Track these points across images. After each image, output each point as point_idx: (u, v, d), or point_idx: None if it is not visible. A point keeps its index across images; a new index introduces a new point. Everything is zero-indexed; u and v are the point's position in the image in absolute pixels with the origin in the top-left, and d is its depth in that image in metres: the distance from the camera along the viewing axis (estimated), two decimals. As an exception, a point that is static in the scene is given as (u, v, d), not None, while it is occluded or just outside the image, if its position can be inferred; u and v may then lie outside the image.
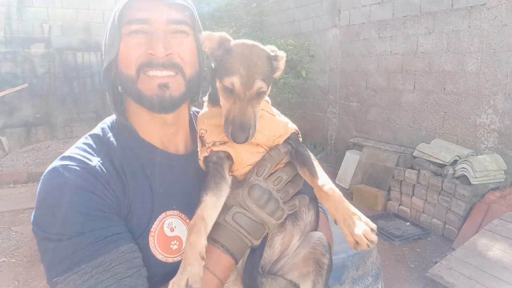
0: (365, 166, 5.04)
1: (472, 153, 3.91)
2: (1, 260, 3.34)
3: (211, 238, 0.81)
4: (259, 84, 0.82)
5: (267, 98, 0.91)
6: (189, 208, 0.85)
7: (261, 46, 0.88)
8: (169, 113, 0.87)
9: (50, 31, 6.81)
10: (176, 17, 0.86)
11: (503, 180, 3.69)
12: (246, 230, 0.83)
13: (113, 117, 0.93)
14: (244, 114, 0.82)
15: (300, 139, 0.95)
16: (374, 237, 0.72)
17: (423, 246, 3.64)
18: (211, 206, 0.82)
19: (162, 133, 0.92)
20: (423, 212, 4.06)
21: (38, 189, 0.81)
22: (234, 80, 0.81)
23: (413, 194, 4.17)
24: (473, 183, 3.58)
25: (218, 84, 0.85)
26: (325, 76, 6.16)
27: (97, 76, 7.26)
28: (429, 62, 4.41)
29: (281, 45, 5.41)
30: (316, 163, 0.87)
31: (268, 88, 0.85)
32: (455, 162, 3.86)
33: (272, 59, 0.88)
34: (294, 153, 0.89)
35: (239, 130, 0.81)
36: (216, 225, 0.83)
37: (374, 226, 0.74)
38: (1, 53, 6.53)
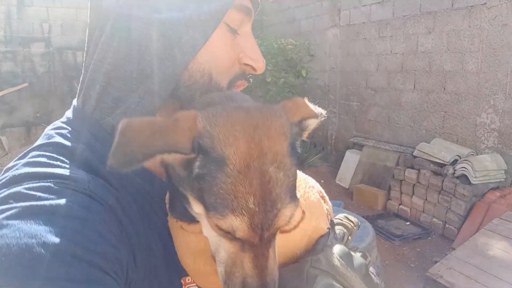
0: (365, 165, 5.04)
1: (472, 153, 3.91)
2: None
3: None
4: (285, 215, 0.42)
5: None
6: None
7: (273, 116, 0.45)
8: None
9: (50, 30, 6.80)
10: None
11: (503, 179, 3.69)
12: None
13: (75, 123, 0.57)
14: (263, 271, 0.43)
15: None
16: None
17: (423, 246, 3.64)
18: None
19: None
20: (423, 211, 4.05)
21: None
22: (238, 225, 0.41)
23: (413, 194, 4.17)
24: (473, 182, 3.58)
25: (202, 211, 0.43)
26: (325, 76, 6.16)
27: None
28: (429, 62, 4.41)
29: (281, 45, 5.42)
30: None
31: (297, 201, 0.44)
32: (455, 161, 3.86)
33: (295, 125, 0.49)
34: None
35: None
36: None
37: None
38: (1, 53, 6.53)
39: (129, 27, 0.49)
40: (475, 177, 3.56)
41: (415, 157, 4.26)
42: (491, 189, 3.67)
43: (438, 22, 4.25)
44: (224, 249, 0.44)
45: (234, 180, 0.40)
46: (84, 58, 0.57)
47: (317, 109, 0.53)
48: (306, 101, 0.53)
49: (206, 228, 0.45)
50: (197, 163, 0.41)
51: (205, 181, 0.41)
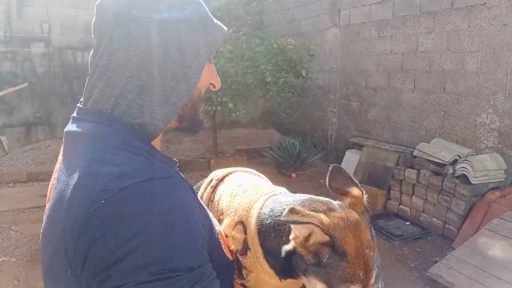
0: (365, 165, 5.04)
1: (472, 153, 3.91)
2: (1, 259, 3.35)
3: None
4: (374, 276, 0.71)
5: None
6: None
7: (359, 216, 0.74)
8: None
9: (50, 30, 6.80)
10: None
11: (503, 179, 3.69)
12: None
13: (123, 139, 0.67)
14: None
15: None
16: None
17: (423, 246, 3.64)
18: None
19: None
20: (423, 211, 4.06)
21: (121, 228, 0.56)
22: None
23: (413, 194, 4.17)
24: (473, 182, 3.58)
25: (317, 286, 0.69)
26: (325, 76, 6.16)
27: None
28: (429, 62, 4.41)
29: (281, 45, 5.41)
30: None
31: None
32: (455, 161, 3.86)
33: (365, 212, 0.79)
34: None
35: None
36: None
37: None
38: (1, 53, 6.53)
39: (155, 58, 0.67)
40: (475, 177, 3.56)
41: (415, 157, 4.26)
42: (491, 189, 3.67)
43: (438, 22, 4.25)
44: None
45: (352, 264, 0.67)
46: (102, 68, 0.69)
47: (361, 191, 0.82)
48: (358, 190, 0.82)
49: None
50: (325, 255, 0.67)
51: (332, 267, 0.67)
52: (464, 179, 3.66)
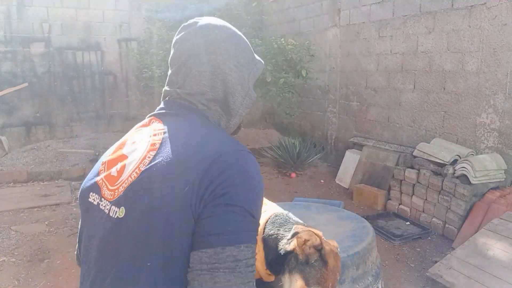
0: (365, 165, 5.04)
1: (472, 153, 3.91)
2: (1, 259, 3.34)
3: None
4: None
5: None
6: None
7: (339, 258, 0.99)
8: None
9: (50, 30, 6.80)
10: None
11: (503, 179, 3.69)
12: None
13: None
14: None
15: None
16: None
17: (423, 246, 3.64)
18: None
19: None
20: (423, 211, 4.06)
21: (245, 168, 0.81)
22: None
23: (413, 194, 4.17)
24: (473, 182, 3.58)
25: (300, 285, 0.90)
26: (325, 76, 6.16)
27: (97, 75, 7.25)
28: (429, 62, 4.41)
29: (281, 45, 5.41)
30: None
31: None
32: (455, 161, 3.86)
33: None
34: None
35: None
36: None
37: None
38: (1, 53, 6.53)
39: (229, 82, 0.93)
40: (475, 177, 3.56)
41: (415, 157, 4.26)
42: (491, 189, 3.67)
43: (438, 22, 4.25)
44: None
45: (328, 274, 0.90)
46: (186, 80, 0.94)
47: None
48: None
49: None
50: (314, 257, 0.90)
51: (314, 268, 0.90)
52: (464, 179, 3.66)
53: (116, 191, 0.84)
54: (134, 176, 0.82)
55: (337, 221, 1.57)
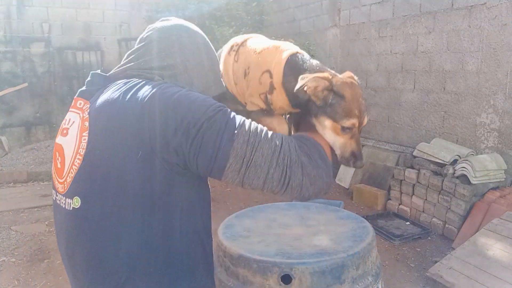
0: (365, 165, 5.04)
1: (472, 153, 3.91)
2: (1, 259, 3.35)
3: None
4: (367, 118, 1.01)
5: None
6: None
7: (352, 78, 1.06)
8: None
9: (50, 30, 6.80)
10: None
11: (503, 179, 3.69)
12: None
13: None
14: (359, 145, 1.01)
15: None
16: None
17: (423, 246, 3.64)
18: None
19: None
20: (423, 211, 4.05)
21: (168, 95, 0.82)
22: (354, 122, 0.97)
23: (413, 194, 4.17)
24: (473, 182, 3.58)
25: (329, 123, 0.98)
26: (325, 76, 6.15)
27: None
28: (429, 62, 4.41)
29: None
30: None
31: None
32: (455, 161, 3.86)
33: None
34: None
35: (360, 159, 1.01)
36: None
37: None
38: (1, 53, 6.53)
39: (204, 62, 1.04)
40: (475, 177, 3.56)
41: (415, 157, 4.26)
42: (491, 189, 3.67)
43: (438, 22, 4.25)
44: (339, 140, 0.99)
45: (349, 105, 0.97)
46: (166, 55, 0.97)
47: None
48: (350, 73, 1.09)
49: (329, 134, 1.00)
50: (330, 96, 0.97)
51: (335, 105, 0.97)
52: (464, 179, 3.66)
53: (65, 182, 0.83)
54: (78, 163, 0.80)
55: (337, 221, 1.57)
